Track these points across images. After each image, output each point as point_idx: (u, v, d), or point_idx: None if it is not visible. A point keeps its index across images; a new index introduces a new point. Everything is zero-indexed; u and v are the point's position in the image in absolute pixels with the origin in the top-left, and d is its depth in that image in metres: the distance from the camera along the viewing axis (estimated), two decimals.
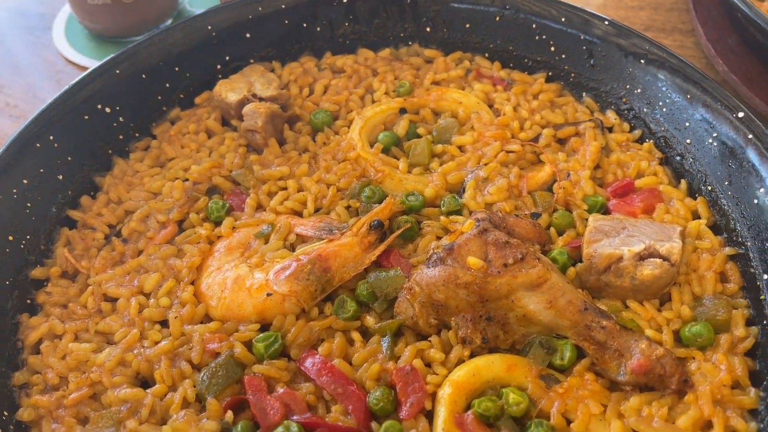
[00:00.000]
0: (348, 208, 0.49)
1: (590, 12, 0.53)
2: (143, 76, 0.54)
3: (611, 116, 0.53)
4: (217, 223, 0.49)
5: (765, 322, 0.41)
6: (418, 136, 0.53)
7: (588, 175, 0.49)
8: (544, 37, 0.55)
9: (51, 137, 0.49)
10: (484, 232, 0.43)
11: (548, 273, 0.42)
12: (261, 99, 0.54)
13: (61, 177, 0.50)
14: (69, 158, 0.50)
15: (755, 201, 0.44)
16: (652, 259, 0.43)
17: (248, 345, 0.43)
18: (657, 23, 0.72)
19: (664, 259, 0.43)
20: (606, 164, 0.51)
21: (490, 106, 0.55)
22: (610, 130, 0.53)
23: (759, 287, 0.42)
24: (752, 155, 0.45)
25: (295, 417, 0.40)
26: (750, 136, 0.45)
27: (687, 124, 0.49)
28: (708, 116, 0.47)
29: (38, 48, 0.74)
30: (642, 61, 0.50)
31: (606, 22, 0.52)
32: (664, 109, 0.50)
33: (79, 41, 0.75)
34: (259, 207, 0.50)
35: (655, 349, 0.40)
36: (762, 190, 0.44)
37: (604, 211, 0.49)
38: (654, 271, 0.42)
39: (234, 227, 0.49)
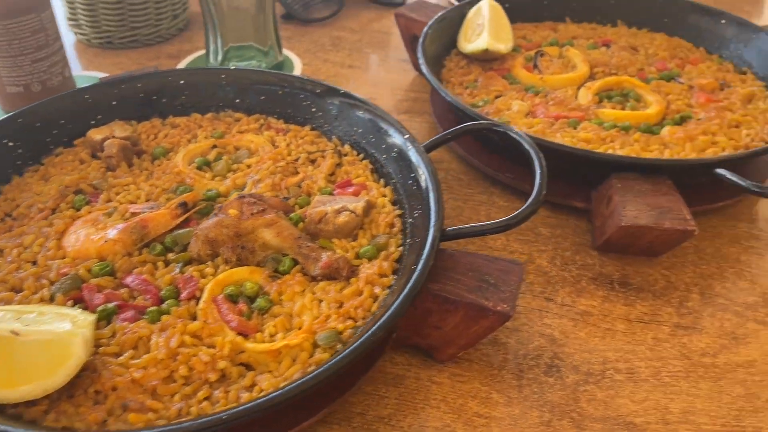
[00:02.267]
0: (168, 199, 0.75)
1: (333, 86, 0.84)
2: (37, 124, 0.80)
3: (347, 147, 0.83)
4: (79, 210, 0.74)
5: (405, 244, 0.68)
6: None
7: (324, 177, 0.78)
8: (308, 103, 0.86)
9: None
10: (241, 198, 0.69)
11: (278, 218, 0.68)
12: (117, 138, 0.81)
13: None
14: None
15: (410, 182, 0.73)
16: (345, 212, 0.70)
17: (90, 272, 0.66)
18: (413, 109, 1.05)
19: (353, 212, 0.71)
20: (338, 173, 0.79)
21: (274, 145, 0.84)
22: (345, 154, 0.82)
23: (406, 227, 0.70)
24: (412, 156, 0.74)
25: (112, 303, 0.63)
26: (411, 148, 0.75)
27: (383, 146, 0.78)
28: (393, 141, 0.77)
29: None
30: (361, 112, 0.81)
31: (341, 91, 0.84)
32: (373, 139, 0.80)
33: None
34: (109, 201, 0.75)
35: (335, 254, 0.66)
36: (413, 176, 0.73)
37: (331, 194, 0.76)
38: (345, 218, 0.69)
39: (90, 211, 0.73)
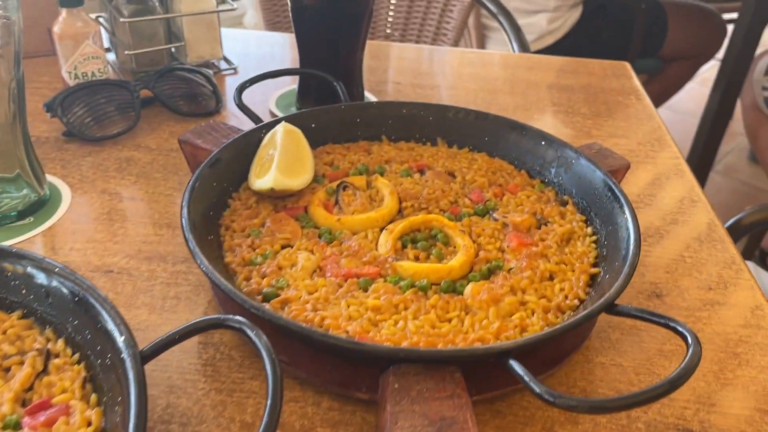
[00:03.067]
0: None
1: (38, 258, 0.67)
2: None
3: (60, 344, 0.64)
4: None
5: None
6: None
7: (12, 397, 0.59)
8: (17, 282, 0.67)
9: None
10: None
11: None
12: None
13: None
14: None
15: (116, 408, 0.56)
16: None
17: None
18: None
19: None
20: (39, 386, 0.61)
21: None
22: (57, 355, 0.64)
23: None
24: (127, 367, 0.57)
25: None
26: (125, 355, 0.58)
27: (98, 348, 0.61)
28: (108, 340, 0.60)
29: None
30: (75, 295, 0.64)
31: (56, 268, 0.66)
32: (89, 335, 0.62)
33: None
34: None
35: None
36: (120, 399, 0.56)
37: (19, 427, 0.58)
38: None
39: None
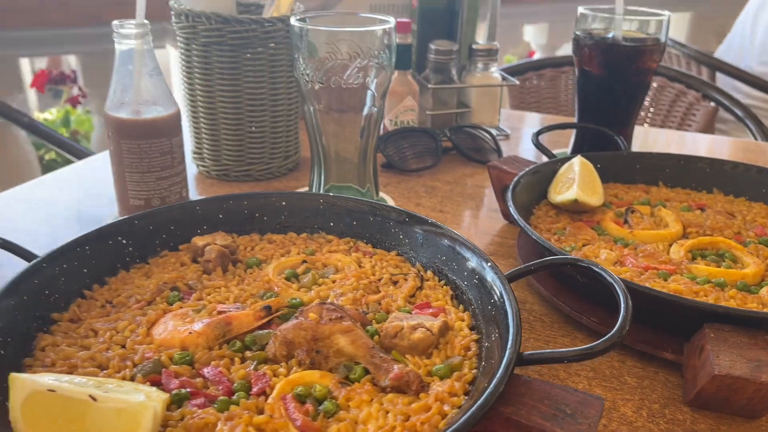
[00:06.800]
0: (254, 303, 0.78)
1: (421, 216, 0.88)
2: (150, 228, 0.88)
3: (429, 273, 0.84)
4: (171, 305, 0.78)
5: (479, 368, 0.66)
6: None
7: (403, 297, 0.78)
8: (396, 230, 0.89)
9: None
10: (322, 304, 0.71)
11: (354, 327, 0.69)
12: (217, 245, 0.87)
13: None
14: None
15: (489, 308, 0.72)
16: (421, 329, 0.70)
17: (171, 359, 0.68)
18: (499, 252, 1.06)
19: (429, 330, 0.70)
20: (419, 295, 0.80)
21: (360, 265, 0.87)
22: (427, 280, 0.83)
23: (482, 352, 0.69)
24: (494, 283, 0.74)
25: (186, 389, 0.64)
26: (493, 275, 0.75)
27: (465, 273, 0.79)
28: (475, 268, 0.78)
29: None
30: (446, 241, 0.84)
31: (429, 221, 0.87)
32: (456, 267, 0.81)
33: None
34: (200, 300, 0.79)
35: (405, 367, 0.65)
36: (492, 301, 0.72)
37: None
38: (421, 335, 0.69)
39: (181, 307, 0.77)
